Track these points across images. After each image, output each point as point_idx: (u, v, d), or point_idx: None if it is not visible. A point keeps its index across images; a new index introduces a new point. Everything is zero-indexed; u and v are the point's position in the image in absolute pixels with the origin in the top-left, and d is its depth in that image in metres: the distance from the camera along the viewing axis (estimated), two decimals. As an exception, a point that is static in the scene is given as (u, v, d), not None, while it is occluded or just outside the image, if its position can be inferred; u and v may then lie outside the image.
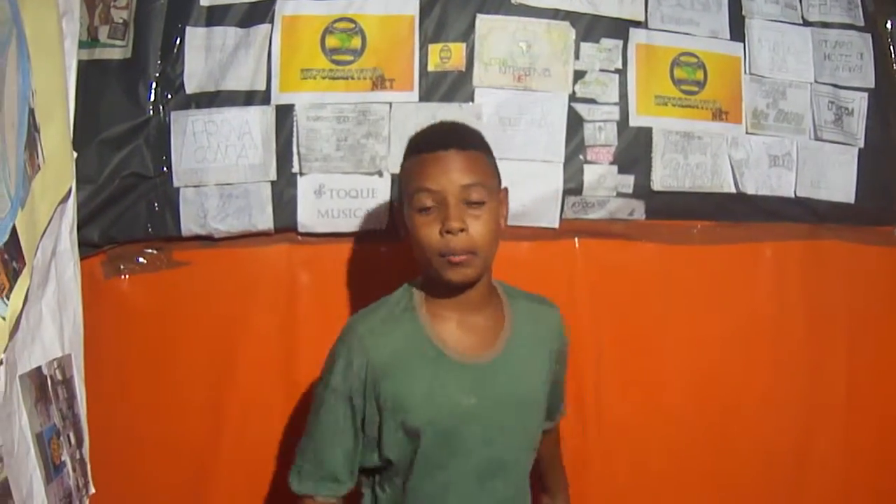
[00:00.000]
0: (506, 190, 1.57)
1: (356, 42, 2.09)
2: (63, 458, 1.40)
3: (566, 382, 1.82)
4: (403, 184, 1.50)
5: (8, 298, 1.16)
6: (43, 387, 1.35)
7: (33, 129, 1.31)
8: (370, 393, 1.48)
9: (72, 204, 1.56)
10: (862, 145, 2.45)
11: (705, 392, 2.31)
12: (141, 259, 2.09)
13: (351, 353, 1.48)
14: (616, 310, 2.22)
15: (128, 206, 2.07)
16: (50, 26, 1.41)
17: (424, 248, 1.44)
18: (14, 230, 1.19)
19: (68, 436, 1.45)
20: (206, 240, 2.10)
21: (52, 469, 1.33)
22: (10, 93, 1.21)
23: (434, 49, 2.14)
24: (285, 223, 2.08)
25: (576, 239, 2.22)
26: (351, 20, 2.09)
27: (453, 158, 1.44)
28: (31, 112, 1.31)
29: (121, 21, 2.10)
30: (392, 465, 1.57)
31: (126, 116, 2.09)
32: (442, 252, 1.42)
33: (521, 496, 1.61)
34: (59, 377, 1.44)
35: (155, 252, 2.10)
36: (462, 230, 1.41)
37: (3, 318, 1.14)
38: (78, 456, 1.50)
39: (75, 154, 1.64)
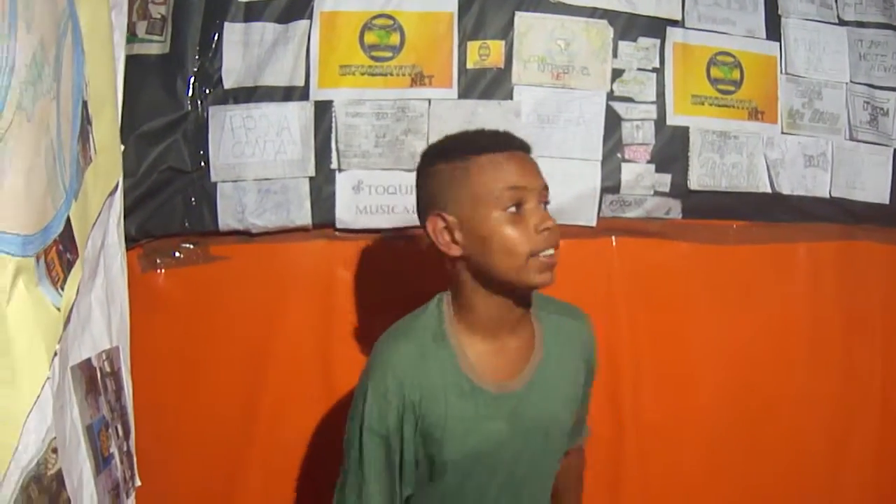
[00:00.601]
0: None
1: (395, 39, 2.07)
2: (111, 450, 1.39)
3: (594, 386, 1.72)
4: (472, 184, 1.35)
5: (62, 289, 1.14)
6: (92, 379, 1.33)
7: (86, 120, 1.29)
8: (409, 438, 1.39)
9: (119, 197, 1.55)
10: (898, 146, 2.37)
11: (740, 392, 2.29)
12: (177, 253, 2.08)
13: (386, 393, 1.37)
14: (652, 309, 2.20)
15: (165, 200, 2.06)
16: (102, 18, 1.39)
17: (512, 250, 1.33)
18: (68, 221, 1.17)
19: (116, 428, 1.43)
20: (244, 235, 2.09)
21: (101, 461, 1.31)
22: (66, 84, 1.19)
23: (473, 46, 2.12)
24: (323, 219, 2.06)
25: (613, 237, 2.21)
26: (390, 17, 2.07)
27: (528, 159, 1.39)
28: (85, 104, 1.29)
29: (159, 16, 2.08)
30: (431, 498, 1.52)
31: (164, 111, 2.08)
32: (537, 250, 1.33)
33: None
34: (108, 369, 1.42)
35: (191, 246, 2.09)
36: (554, 228, 1.35)
37: (59, 309, 1.12)
38: (125, 448, 1.48)
39: (122, 147, 1.62)
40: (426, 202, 1.41)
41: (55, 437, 1.10)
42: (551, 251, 1.34)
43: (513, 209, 1.33)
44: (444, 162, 1.39)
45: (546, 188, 1.37)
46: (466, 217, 1.35)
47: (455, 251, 1.37)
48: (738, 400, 2.27)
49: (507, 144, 1.38)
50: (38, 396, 1.04)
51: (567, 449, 1.60)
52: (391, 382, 1.36)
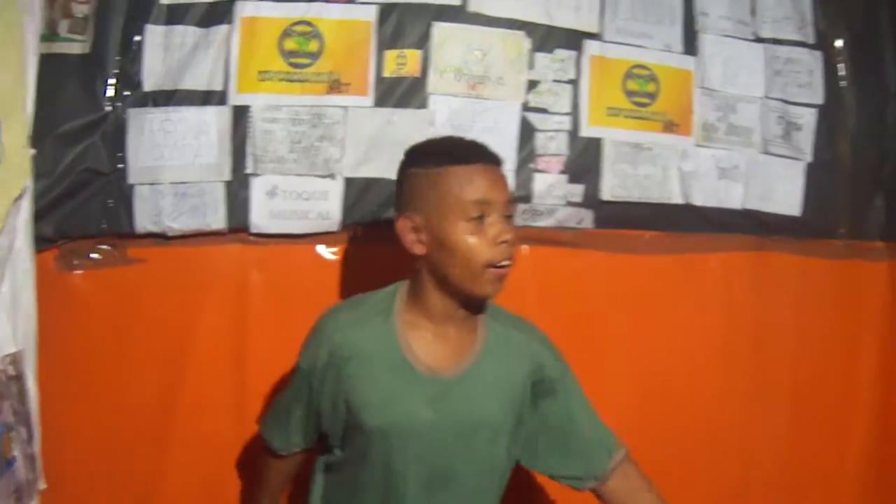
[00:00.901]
0: None
1: (314, 45, 2.10)
2: (14, 454, 1.40)
3: (589, 410, 1.71)
4: (441, 192, 1.44)
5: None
6: (-6, 382, 1.34)
7: (-9, 126, 1.30)
8: (329, 387, 1.51)
9: (27, 201, 1.55)
10: (810, 160, 2.51)
11: (653, 400, 2.38)
12: (94, 255, 2.10)
13: (319, 344, 1.51)
14: (565, 317, 2.25)
15: (83, 202, 2.09)
16: (11, 21, 1.39)
17: (470, 259, 1.42)
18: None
19: (20, 431, 1.44)
20: (160, 237, 2.12)
21: (3, 463, 1.32)
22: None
23: (390, 55, 2.16)
24: (238, 223, 2.11)
25: (525, 246, 2.21)
26: (309, 23, 2.10)
27: (497, 173, 1.46)
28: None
29: (81, 16, 2.11)
30: (345, 456, 1.62)
31: (83, 112, 2.10)
32: (493, 261, 1.42)
33: None
34: (12, 373, 1.44)
35: (109, 248, 2.12)
36: (513, 242, 1.45)
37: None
38: (29, 451, 1.49)
39: (33, 151, 1.62)
40: (400, 201, 1.51)
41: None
42: (507, 262, 1.44)
43: (476, 220, 1.41)
44: (421, 167, 1.47)
45: (511, 202, 1.47)
46: (433, 222, 1.44)
47: (419, 250, 1.46)
48: (651, 407, 2.35)
49: (479, 157, 1.45)
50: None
51: (585, 482, 1.63)
52: (327, 334, 1.51)
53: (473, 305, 1.51)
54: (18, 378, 1.53)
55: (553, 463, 1.64)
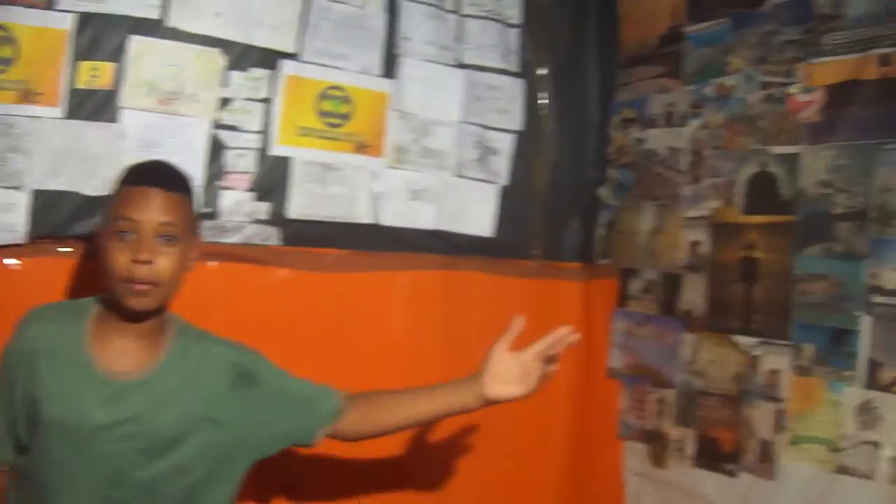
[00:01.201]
0: (200, 238, 1.74)
1: (7, 51, 2.07)
2: None
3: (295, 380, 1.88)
4: (110, 208, 1.57)
5: None
6: None
7: None
8: (21, 382, 1.56)
9: None
10: (505, 183, 2.60)
11: None
12: None
13: (14, 337, 1.59)
14: (251, 333, 2.25)
15: None
16: None
17: (111, 272, 1.51)
18: None
19: None
20: None
21: None
22: None
23: (84, 66, 2.16)
24: None
25: (211, 262, 2.29)
26: (4, 27, 2.05)
27: (157, 196, 1.54)
28: None
29: None
30: (30, 459, 1.60)
31: None
32: (126, 278, 1.50)
33: None
34: None
35: None
36: (149, 262, 1.50)
37: None
38: None
39: None
40: None
41: None
42: (141, 280, 1.51)
43: (120, 236, 1.51)
44: (117, 185, 1.60)
45: (168, 224, 1.54)
46: (103, 231, 1.57)
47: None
48: None
49: (146, 180, 1.56)
50: None
51: (315, 433, 1.80)
52: (20, 330, 1.59)
53: (144, 316, 1.58)
54: None
55: (283, 429, 1.78)
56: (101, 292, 1.64)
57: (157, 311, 1.60)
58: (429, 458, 2.62)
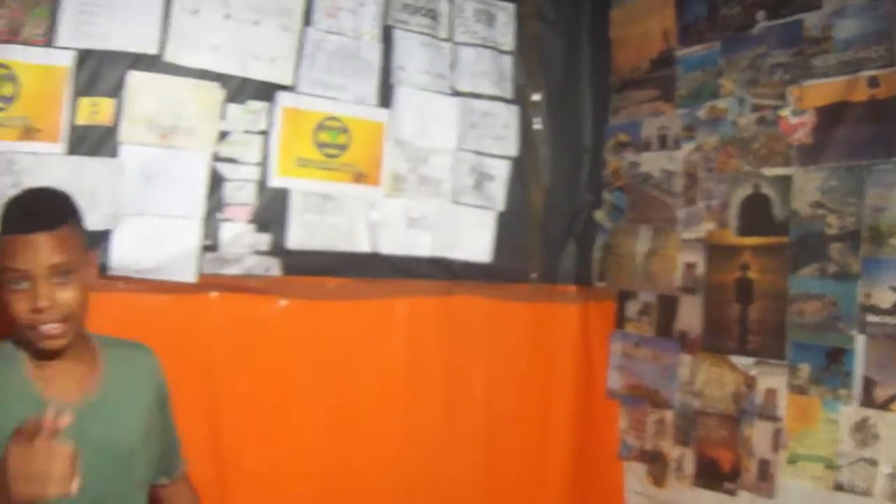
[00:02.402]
0: (93, 253, 1.69)
1: (8, 89, 2.10)
2: None
3: (194, 439, 1.96)
4: None
5: None
6: None
7: None
8: None
9: None
10: (501, 209, 2.63)
11: (343, 437, 2.52)
12: None
13: None
14: (254, 362, 2.34)
15: None
16: None
17: (17, 321, 1.52)
18: None
19: None
20: None
21: None
22: None
23: (84, 103, 2.19)
24: None
25: (213, 293, 2.28)
26: (5, 66, 2.07)
27: (40, 241, 1.51)
28: None
29: None
30: None
31: None
32: (32, 325, 1.51)
33: None
34: None
35: None
36: (50, 307, 1.50)
37: None
38: None
39: None
40: None
41: None
42: (48, 326, 1.51)
43: (18, 286, 1.50)
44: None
45: (58, 264, 1.51)
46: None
47: None
48: (341, 445, 2.50)
49: (26, 227, 1.52)
50: None
51: (149, 478, 1.76)
52: None
53: (71, 345, 1.58)
54: None
55: (155, 464, 1.80)
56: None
57: (77, 338, 1.60)
58: (429, 480, 2.65)
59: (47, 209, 1.63)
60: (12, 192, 1.99)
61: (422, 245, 2.56)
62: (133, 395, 1.71)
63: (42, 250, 1.52)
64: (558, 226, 2.79)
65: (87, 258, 1.68)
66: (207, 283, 2.33)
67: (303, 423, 2.47)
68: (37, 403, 1.57)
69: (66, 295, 1.56)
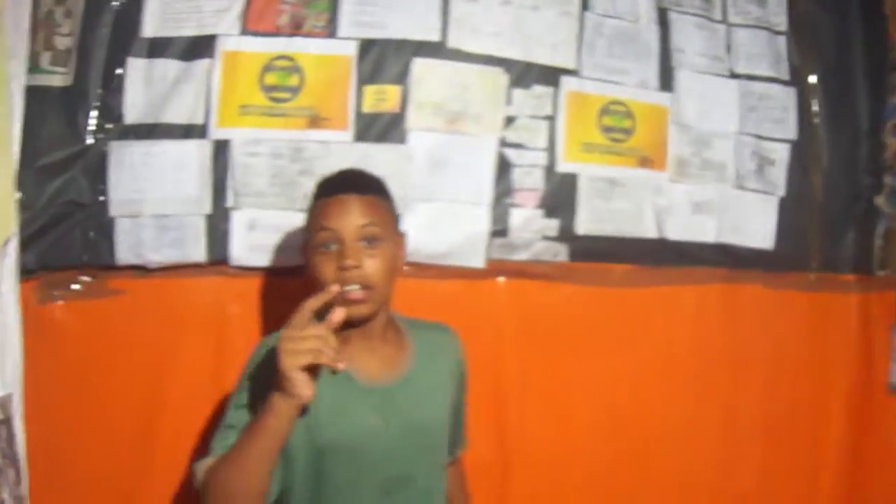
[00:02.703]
0: (404, 235, 1.68)
1: (294, 80, 2.13)
2: (3, 497, 1.40)
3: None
4: (308, 222, 1.60)
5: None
6: (-17, 427, 1.36)
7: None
8: None
9: (14, 245, 1.56)
10: (783, 194, 2.54)
11: (624, 431, 2.46)
12: (75, 286, 2.13)
13: (257, 370, 1.54)
14: (540, 348, 2.31)
15: (63, 233, 2.13)
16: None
17: (321, 283, 1.50)
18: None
19: (8, 474, 1.44)
20: (141, 269, 2.15)
21: (-9, 508, 1.34)
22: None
23: (370, 90, 2.22)
24: (218, 256, 2.16)
25: (501, 279, 2.26)
26: (290, 58, 2.14)
27: (352, 201, 1.55)
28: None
29: (64, 48, 2.14)
30: (295, 486, 1.62)
31: (65, 144, 2.15)
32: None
33: None
34: (1, 417, 1.44)
35: (89, 280, 2.14)
36: (356, 267, 1.50)
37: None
38: (17, 493, 1.50)
39: (18, 195, 1.63)
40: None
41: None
42: (353, 287, 1.50)
43: (325, 247, 1.53)
44: (311, 201, 1.63)
45: (368, 226, 1.53)
46: (307, 247, 1.58)
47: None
48: (622, 439, 2.45)
49: (340, 189, 1.57)
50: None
51: (447, 459, 1.74)
52: (265, 362, 1.51)
53: (370, 320, 1.58)
54: (6, 422, 1.55)
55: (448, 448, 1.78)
56: None
57: (380, 315, 1.60)
58: (707, 474, 2.57)
59: (362, 177, 1.67)
60: (301, 179, 2.04)
61: (706, 231, 2.48)
62: (440, 375, 1.71)
63: (353, 211, 1.55)
64: (838, 212, 2.65)
65: (397, 238, 1.68)
66: (495, 268, 2.30)
67: (585, 412, 2.43)
68: (344, 382, 1.58)
69: (372, 262, 1.54)
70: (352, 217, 1.53)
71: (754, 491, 2.61)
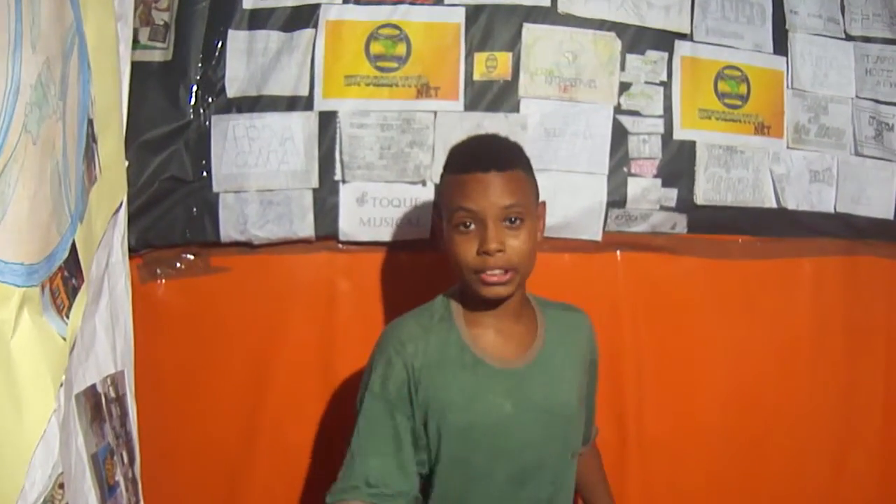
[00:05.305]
0: (543, 204, 1.57)
1: (401, 49, 2.02)
2: (117, 478, 1.33)
3: (597, 399, 1.82)
4: (444, 199, 1.50)
5: (67, 317, 1.09)
6: (97, 405, 1.28)
7: (91, 139, 1.24)
8: (413, 397, 1.47)
9: (123, 214, 1.48)
10: (902, 161, 2.34)
11: (742, 408, 2.27)
12: (178, 264, 2.02)
13: (390, 359, 1.47)
14: (657, 323, 2.17)
15: (166, 211, 2.02)
16: (108, 32, 1.33)
17: (461, 265, 1.44)
18: (73, 246, 1.12)
19: (122, 454, 1.37)
20: (245, 246, 2.03)
21: (106, 490, 1.26)
22: (72, 103, 1.14)
23: (480, 58, 2.07)
24: (326, 231, 2.02)
25: (618, 252, 2.17)
26: (396, 27, 2.02)
27: (494, 180, 1.43)
28: (91, 122, 1.23)
29: (162, 23, 2.03)
30: (439, 480, 1.55)
31: (166, 119, 2.02)
32: (477, 270, 1.43)
33: (560, 499, 1.58)
34: (113, 394, 1.37)
35: (192, 257, 2.04)
36: (500, 251, 1.41)
37: (64, 339, 1.07)
38: (130, 475, 1.43)
39: (126, 162, 1.55)
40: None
41: (62, 472, 1.04)
42: (493, 271, 1.42)
43: (464, 227, 1.44)
44: (444, 172, 1.54)
45: (511, 207, 1.43)
46: (444, 225, 1.49)
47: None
48: (740, 415, 2.26)
49: (480, 165, 1.45)
50: (45, 430, 0.99)
51: (580, 447, 1.66)
52: (395, 350, 1.47)
53: (513, 300, 1.50)
54: (119, 399, 1.45)
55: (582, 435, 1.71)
56: (448, 289, 1.58)
57: (516, 294, 1.50)
58: (826, 451, 2.44)
59: (501, 151, 1.52)
60: (411, 150, 1.92)
61: (825, 200, 2.29)
62: (572, 359, 1.61)
63: (495, 190, 1.43)
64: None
65: (538, 210, 1.53)
66: (612, 240, 2.16)
67: (703, 388, 2.25)
68: (475, 365, 1.48)
69: (516, 242, 1.44)
70: (493, 198, 1.42)
71: (873, 471, 2.44)
